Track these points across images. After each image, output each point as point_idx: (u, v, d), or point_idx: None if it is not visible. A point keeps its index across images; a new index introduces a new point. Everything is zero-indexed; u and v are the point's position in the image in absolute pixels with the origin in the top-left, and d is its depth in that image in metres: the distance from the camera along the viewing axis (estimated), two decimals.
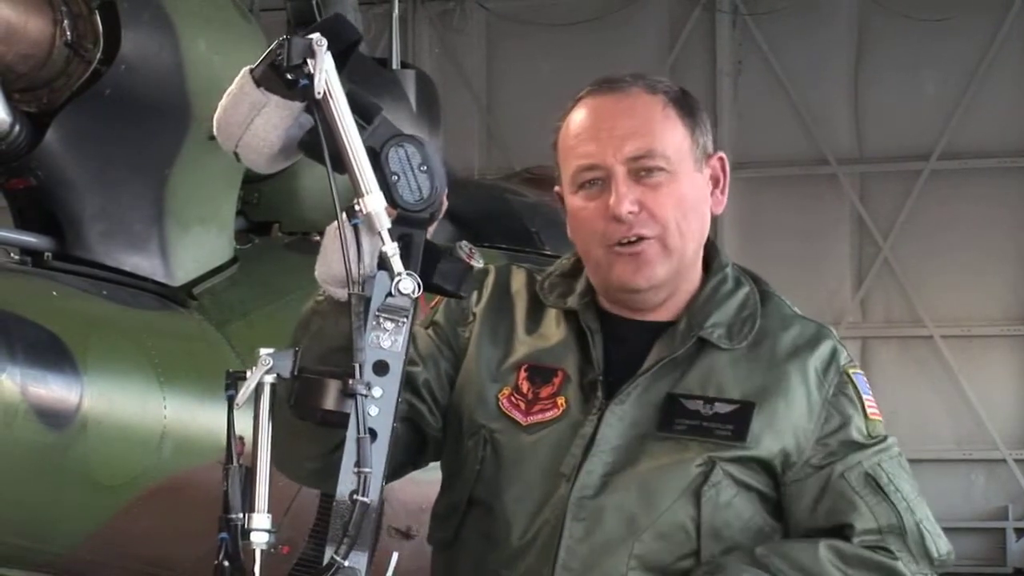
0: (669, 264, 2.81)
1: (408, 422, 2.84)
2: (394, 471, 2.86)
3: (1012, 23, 15.51)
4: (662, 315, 2.86)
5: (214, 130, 2.56)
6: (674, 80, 2.99)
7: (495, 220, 7.60)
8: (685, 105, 2.87)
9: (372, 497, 2.43)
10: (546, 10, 16.30)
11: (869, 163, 15.99)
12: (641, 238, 2.79)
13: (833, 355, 2.87)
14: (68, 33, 5.43)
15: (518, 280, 2.96)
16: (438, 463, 2.95)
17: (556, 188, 2.93)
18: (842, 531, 2.78)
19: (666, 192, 2.80)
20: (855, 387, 2.85)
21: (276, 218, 6.61)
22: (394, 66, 7.74)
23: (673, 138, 2.82)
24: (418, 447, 2.89)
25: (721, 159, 2.91)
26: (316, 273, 2.59)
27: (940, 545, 2.82)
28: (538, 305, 2.92)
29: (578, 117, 2.86)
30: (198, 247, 5.90)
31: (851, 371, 2.87)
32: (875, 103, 15.84)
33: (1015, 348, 15.73)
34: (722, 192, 2.91)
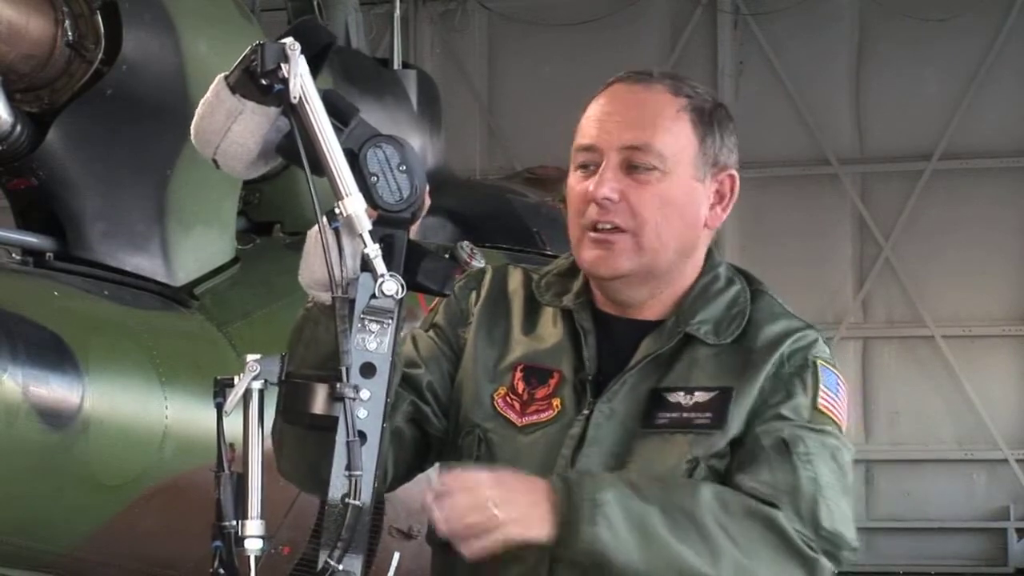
0: (638, 261, 2.79)
1: (413, 424, 2.85)
2: (403, 475, 2.86)
3: (1014, 22, 15.50)
4: (653, 314, 2.86)
5: (192, 138, 2.57)
6: None
7: (496, 220, 7.60)
8: (706, 114, 2.85)
9: (364, 500, 2.43)
10: (547, 10, 16.30)
11: (871, 163, 15.99)
12: (617, 228, 2.78)
13: (808, 345, 2.82)
14: (70, 33, 5.43)
15: (515, 280, 2.96)
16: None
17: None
18: (736, 481, 2.73)
19: (652, 191, 2.78)
20: (816, 376, 2.80)
21: (277, 218, 6.62)
22: (395, 66, 7.75)
23: (675, 140, 2.81)
24: (424, 449, 2.89)
25: (732, 177, 2.89)
26: (300, 278, 2.59)
27: (838, 523, 2.71)
28: (535, 305, 2.92)
29: (596, 101, 2.86)
30: (199, 247, 5.90)
31: (820, 362, 2.82)
32: (877, 103, 15.84)
33: (1017, 348, 15.72)
34: (723, 210, 2.89)
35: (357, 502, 2.42)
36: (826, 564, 2.69)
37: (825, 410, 2.79)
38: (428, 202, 2.60)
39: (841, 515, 2.72)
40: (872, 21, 15.83)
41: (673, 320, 2.83)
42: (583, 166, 2.83)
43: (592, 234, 2.79)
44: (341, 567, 2.41)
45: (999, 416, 15.60)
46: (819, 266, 15.84)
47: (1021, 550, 15.49)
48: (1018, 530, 15.49)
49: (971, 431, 15.65)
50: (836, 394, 2.82)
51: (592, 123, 2.83)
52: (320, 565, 2.42)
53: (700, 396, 2.76)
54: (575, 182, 2.84)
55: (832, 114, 15.97)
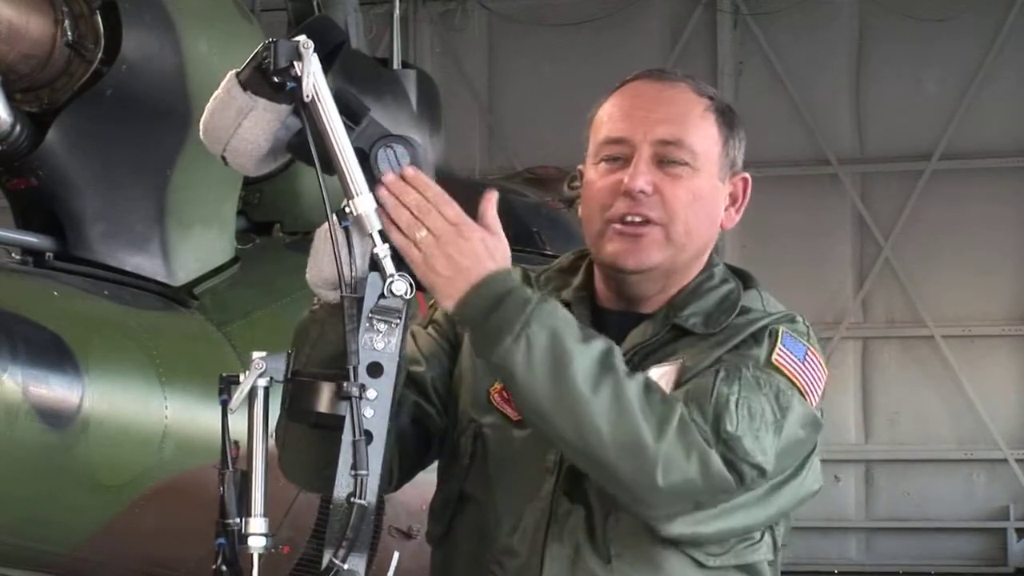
0: (666, 254, 2.79)
1: (417, 423, 2.84)
2: (406, 474, 2.86)
3: (1013, 22, 15.51)
4: (651, 308, 2.85)
5: (201, 134, 2.57)
6: None
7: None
8: (726, 116, 2.85)
9: (369, 499, 2.43)
10: (547, 10, 16.31)
11: (871, 163, 16.00)
12: (647, 220, 2.77)
13: (780, 320, 2.78)
14: (69, 33, 5.43)
15: None
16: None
17: (579, 166, 2.91)
18: None
19: (684, 185, 2.78)
20: (774, 338, 2.74)
21: (277, 218, 6.61)
22: (395, 66, 7.74)
23: (705, 139, 2.81)
24: (426, 447, 2.89)
25: (745, 180, 2.89)
26: (307, 277, 2.59)
27: (744, 433, 2.60)
28: None
29: (619, 96, 2.85)
30: (199, 247, 5.90)
31: (784, 329, 2.76)
32: (876, 103, 15.85)
33: (1017, 348, 15.73)
34: (737, 211, 2.89)
35: (363, 501, 2.42)
36: (720, 466, 2.59)
37: (779, 364, 2.71)
38: None
39: (750, 432, 2.61)
40: (872, 21, 15.84)
41: (663, 313, 2.83)
42: (609, 159, 2.81)
43: (618, 226, 2.78)
44: (346, 566, 2.41)
45: (999, 416, 15.61)
46: (819, 266, 15.85)
47: (1021, 550, 15.49)
48: (1018, 530, 15.50)
49: (971, 431, 15.66)
50: (801, 361, 2.73)
51: (620, 117, 2.81)
52: (324, 564, 2.42)
53: (654, 372, 2.72)
54: (599, 176, 2.82)
55: (832, 114, 15.98)
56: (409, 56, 13.81)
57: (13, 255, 5.78)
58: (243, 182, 6.15)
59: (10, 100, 5.36)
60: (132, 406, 5.21)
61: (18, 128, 5.37)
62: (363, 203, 2.50)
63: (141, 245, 5.69)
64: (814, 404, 2.74)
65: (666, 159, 2.78)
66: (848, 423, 15.68)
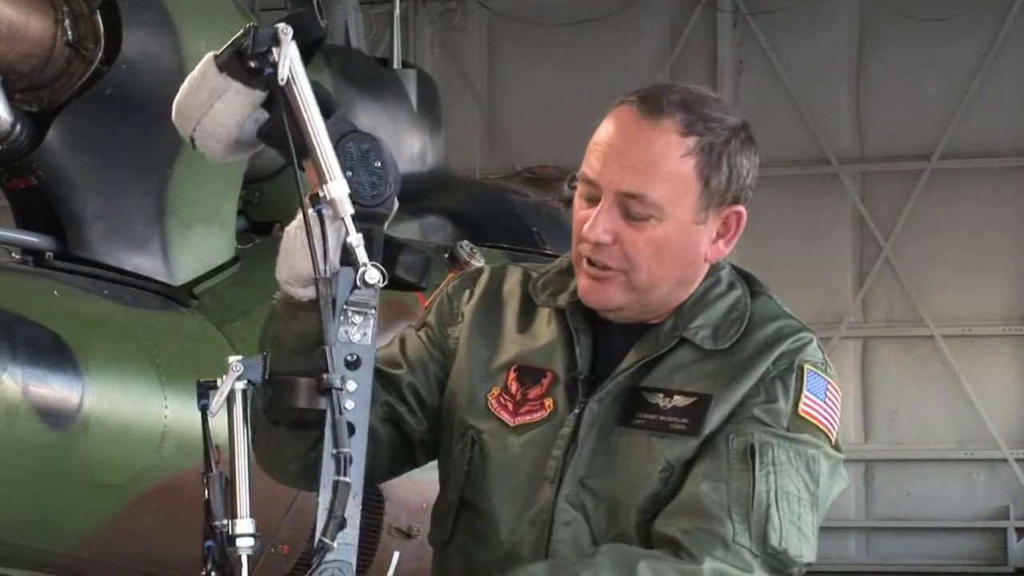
0: (630, 297, 2.76)
1: (389, 424, 2.84)
2: (384, 472, 2.86)
3: (1013, 22, 15.51)
4: (657, 318, 2.83)
5: (172, 115, 2.59)
6: (676, 81, 2.90)
7: (496, 220, 7.60)
8: (715, 153, 2.74)
9: (355, 489, 2.43)
10: (547, 10, 16.30)
11: (871, 162, 15.99)
12: (607, 267, 2.74)
13: (798, 348, 2.77)
14: (69, 33, 5.44)
15: (512, 279, 2.94)
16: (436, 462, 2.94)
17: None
18: (695, 494, 2.67)
19: (647, 236, 2.73)
20: (800, 380, 2.74)
21: (277, 218, 6.61)
22: (395, 65, 7.74)
23: (674, 187, 2.73)
24: (405, 450, 2.88)
25: (739, 214, 2.83)
26: (277, 274, 2.60)
27: (788, 540, 2.64)
28: (531, 304, 2.89)
29: (606, 124, 2.78)
30: (199, 247, 5.90)
31: (808, 367, 2.76)
32: (876, 102, 15.84)
33: (1016, 348, 15.73)
34: (726, 244, 2.84)
35: (346, 479, 2.42)
36: None
37: (806, 415, 2.73)
38: (396, 204, 2.59)
39: (794, 532, 2.65)
40: (872, 21, 15.84)
41: (671, 324, 2.80)
42: (585, 196, 2.78)
43: (588, 268, 2.76)
44: (336, 543, 2.41)
45: (999, 416, 15.61)
46: (819, 266, 15.84)
47: (1021, 550, 15.49)
48: (1018, 530, 15.50)
49: (971, 431, 15.66)
50: (823, 400, 2.75)
51: (598, 154, 2.75)
52: (316, 543, 2.42)
53: (679, 400, 2.72)
54: (578, 206, 2.80)
55: (832, 113, 15.98)
56: (409, 56, 13.81)
57: (13, 255, 5.78)
58: (243, 181, 6.15)
59: (10, 100, 5.37)
60: (132, 406, 5.22)
61: (18, 128, 5.38)
62: (336, 188, 2.50)
63: (141, 245, 5.69)
64: (835, 435, 2.77)
65: (628, 212, 2.73)
66: (848, 423, 15.68)
